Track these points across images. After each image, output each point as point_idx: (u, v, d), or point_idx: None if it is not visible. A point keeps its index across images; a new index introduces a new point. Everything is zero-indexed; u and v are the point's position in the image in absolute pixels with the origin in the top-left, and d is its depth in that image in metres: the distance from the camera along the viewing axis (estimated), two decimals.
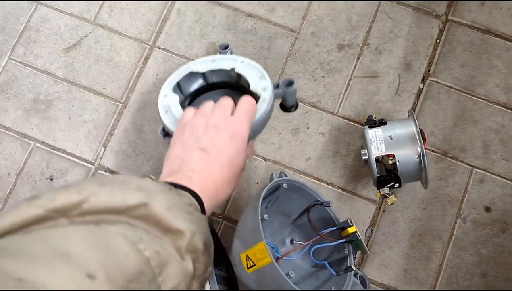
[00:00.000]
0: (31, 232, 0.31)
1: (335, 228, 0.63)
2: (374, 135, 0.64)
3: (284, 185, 0.62)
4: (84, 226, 0.32)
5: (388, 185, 0.63)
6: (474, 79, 0.76)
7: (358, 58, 0.77)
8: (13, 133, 0.76)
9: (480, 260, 0.70)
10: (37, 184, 0.74)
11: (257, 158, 0.74)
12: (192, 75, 0.64)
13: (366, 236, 0.71)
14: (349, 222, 0.61)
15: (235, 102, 0.52)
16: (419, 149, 0.62)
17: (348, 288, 0.59)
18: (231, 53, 0.70)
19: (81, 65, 0.78)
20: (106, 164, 0.75)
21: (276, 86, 0.62)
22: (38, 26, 0.80)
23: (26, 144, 0.76)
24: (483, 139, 0.73)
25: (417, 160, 0.62)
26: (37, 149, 0.75)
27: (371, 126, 0.65)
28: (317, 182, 0.73)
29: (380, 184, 0.64)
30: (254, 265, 0.54)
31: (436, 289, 0.69)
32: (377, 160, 0.63)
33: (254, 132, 0.58)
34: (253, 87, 0.59)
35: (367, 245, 0.70)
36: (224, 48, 0.71)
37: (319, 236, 0.61)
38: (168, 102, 0.61)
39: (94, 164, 0.75)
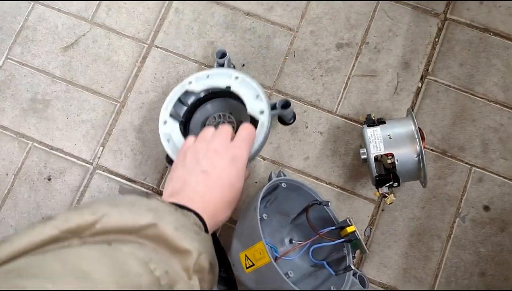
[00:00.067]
0: (47, 252, 0.32)
1: (334, 227, 0.62)
2: (373, 134, 0.63)
3: (283, 184, 0.62)
4: (97, 246, 0.33)
5: (387, 184, 0.63)
6: (472, 78, 0.75)
7: (357, 57, 0.77)
8: (10, 133, 0.76)
9: (479, 259, 0.70)
10: (35, 184, 0.74)
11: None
12: (187, 94, 0.66)
13: (365, 235, 0.71)
14: (348, 221, 0.61)
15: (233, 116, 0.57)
16: (418, 148, 0.62)
17: (347, 288, 0.59)
18: (228, 61, 0.70)
19: (79, 65, 0.78)
20: (104, 163, 0.74)
21: (273, 106, 0.64)
22: (36, 25, 0.80)
23: (23, 144, 0.75)
24: (481, 138, 0.73)
25: (416, 159, 0.62)
26: (34, 148, 0.75)
27: (369, 126, 0.65)
28: (316, 181, 0.73)
29: (379, 183, 0.64)
30: (253, 265, 0.54)
31: (435, 288, 0.69)
32: (376, 159, 0.63)
33: (253, 155, 0.60)
34: (250, 110, 0.61)
35: (366, 245, 0.70)
36: (221, 57, 0.69)
37: (318, 236, 0.61)
38: (169, 131, 0.63)
39: (92, 163, 0.75)
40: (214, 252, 0.42)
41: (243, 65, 0.77)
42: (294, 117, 0.71)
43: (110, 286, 0.29)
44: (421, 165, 0.61)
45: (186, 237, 0.37)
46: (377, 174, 0.63)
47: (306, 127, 0.75)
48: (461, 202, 0.72)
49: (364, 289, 0.62)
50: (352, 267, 0.60)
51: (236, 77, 0.63)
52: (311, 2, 0.79)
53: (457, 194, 0.72)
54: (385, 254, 0.71)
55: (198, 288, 0.36)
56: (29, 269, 0.29)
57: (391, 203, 0.65)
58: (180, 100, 0.65)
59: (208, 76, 0.65)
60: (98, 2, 0.80)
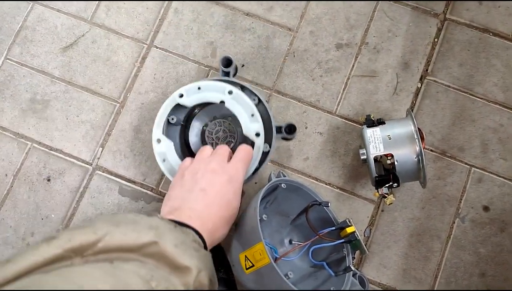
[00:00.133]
0: (50, 271, 0.32)
1: (333, 228, 0.62)
2: (373, 135, 0.63)
3: (282, 185, 0.62)
4: (99, 264, 0.34)
5: (387, 185, 0.63)
6: (472, 78, 0.75)
7: (356, 57, 0.77)
8: (9, 134, 0.76)
9: (478, 260, 0.70)
10: (34, 184, 0.74)
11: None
12: (179, 107, 0.66)
13: (364, 236, 0.71)
14: (348, 222, 0.61)
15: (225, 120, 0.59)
16: (417, 148, 0.61)
17: (347, 288, 0.59)
18: (234, 70, 0.68)
19: (78, 65, 0.78)
20: (104, 164, 0.74)
21: (278, 130, 0.65)
22: (35, 25, 0.79)
23: (23, 144, 0.75)
24: (481, 138, 0.73)
25: (416, 159, 0.62)
26: (34, 149, 0.75)
27: (369, 126, 0.65)
28: (316, 181, 0.73)
29: (378, 183, 0.64)
30: (253, 265, 0.54)
31: (435, 288, 0.69)
32: (375, 159, 0.63)
33: (249, 177, 0.62)
34: (245, 131, 0.62)
35: (365, 245, 0.70)
36: (227, 65, 0.66)
37: (317, 236, 0.61)
38: (164, 150, 0.63)
39: (91, 164, 0.75)
40: (214, 269, 0.43)
41: (243, 65, 0.76)
42: (294, 130, 0.71)
43: None
44: (421, 165, 0.61)
45: (186, 254, 0.38)
46: (376, 175, 0.63)
47: (306, 127, 0.75)
48: (461, 202, 0.72)
49: (364, 289, 0.62)
50: (352, 267, 0.60)
51: (230, 92, 0.63)
52: (311, 2, 0.79)
53: (457, 195, 0.72)
54: (384, 255, 0.71)
55: None
56: (33, 288, 0.30)
57: (391, 203, 0.65)
58: (170, 118, 0.66)
59: (199, 88, 0.64)
60: (97, 2, 0.80)
